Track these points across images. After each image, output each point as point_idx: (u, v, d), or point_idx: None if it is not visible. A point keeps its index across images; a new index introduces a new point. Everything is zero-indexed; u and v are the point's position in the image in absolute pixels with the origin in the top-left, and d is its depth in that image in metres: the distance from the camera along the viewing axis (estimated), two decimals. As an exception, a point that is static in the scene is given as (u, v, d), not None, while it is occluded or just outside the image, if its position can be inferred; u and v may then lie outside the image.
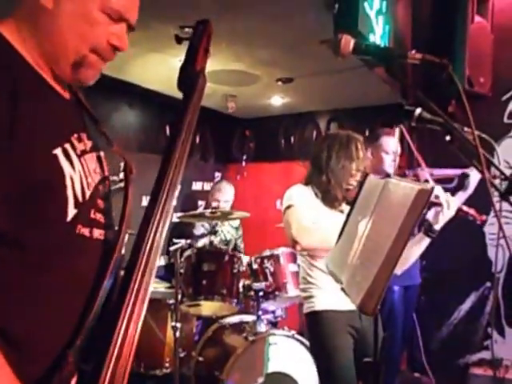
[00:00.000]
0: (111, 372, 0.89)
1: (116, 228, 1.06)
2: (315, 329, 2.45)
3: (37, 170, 0.88)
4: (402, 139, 3.20)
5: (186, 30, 1.19)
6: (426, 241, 2.25)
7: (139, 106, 4.48)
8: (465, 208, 2.71)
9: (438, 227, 2.17)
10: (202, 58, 1.19)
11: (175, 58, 3.33)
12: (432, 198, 2.16)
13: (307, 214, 2.43)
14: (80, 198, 0.96)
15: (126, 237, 1.04)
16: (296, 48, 2.73)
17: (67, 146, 0.96)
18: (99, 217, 1.02)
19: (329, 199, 2.49)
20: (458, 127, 1.28)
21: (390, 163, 3.37)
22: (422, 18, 3.63)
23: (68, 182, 0.93)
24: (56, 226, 0.92)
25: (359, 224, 1.40)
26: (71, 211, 0.93)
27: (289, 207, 2.46)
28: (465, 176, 2.90)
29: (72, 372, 0.91)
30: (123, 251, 1.03)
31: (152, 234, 0.99)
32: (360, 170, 2.50)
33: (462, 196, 2.90)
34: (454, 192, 2.96)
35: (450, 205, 2.10)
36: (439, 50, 3.41)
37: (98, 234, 1.01)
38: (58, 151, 0.93)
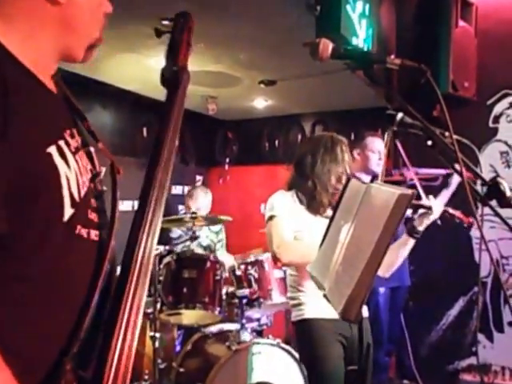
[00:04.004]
0: (112, 380, 0.89)
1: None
2: (305, 338, 2.44)
3: (30, 170, 0.87)
4: (390, 142, 3.27)
5: (166, 22, 1.19)
6: (411, 242, 2.29)
7: (113, 107, 4.45)
8: (451, 210, 2.78)
9: (421, 228, 2.23)
10: (185, 51, 1.17)
11: (150, 58, 3.34)
12: (417, 202, 2.22)
13: (290, 225, 2.42)
14: (76, 198, 0.95)
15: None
16: (278, 50, 2.76)
17: (61, 142, 0.95)
18: (94, 216, 1.01)
19: (314, 206, 2.46)
20: (439, 132, 1.32)
21: (376, 162, 3.47)
22: (406, 22, 3.69)
23: (63, 181, 0.92)
24: (53, 227, 0.91)
25: (341, 229, 1.43)
26: (68, 211, 0.92)
27: (271, 218, 2.44)
28: (448, 175, 3.00)
29: (70, 380, 0.90)
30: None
31: (145, 238, 0.99)
32: (346, 173, 2.48)
33: (446, 194, 2.98)
34: (438, 190, 3.04)
35: (434, 208, 2.15)
36: (423, 54, 3.50)
37: (94, 234, 1.00)
38: (52, 149, 0.92)
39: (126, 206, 4.08)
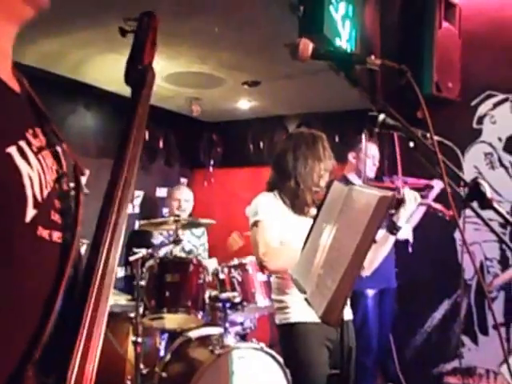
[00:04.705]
0: None
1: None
2: (290, 342, 2.41)
3: None
4: (367, 143, 3.30)
5: (130, 22, 1.20)
6: (392, 238, 2.26)
7: (97, 109, 4.42)
8: (433, 204, 2.79)
9: (400, 223, 2.19)
10: (150, 51, 1.18)
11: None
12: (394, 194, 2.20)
13: (275, 229, 2.39)
14: (39, 198, 0.93)
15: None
16: (261, 51, 2.77)
17: (22, 143, 0.93)
18: (57, 218, 1.00)
19: (298, 206, 2.43)
20: (420, 133, 1.32)
21: (370, 166, 3.55)
22: (390, 23, 3.72)
23: (26, 181, 0.90)
24: (14, 228, 0.88)
25: (323, 232, 1.42)
26: (30, 212, 0.90)
27: (255, 224, 2.41)
28: (429, 187, 3.03)
29: None
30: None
31: (109, 239, 0.98)
32: (328, 170, 2.46)
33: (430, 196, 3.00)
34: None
35: (410, 198, 2.12)
36: (407, 55, 3.53)
37: (56, 236, 0.98)
38: (12, 150, 0.89)
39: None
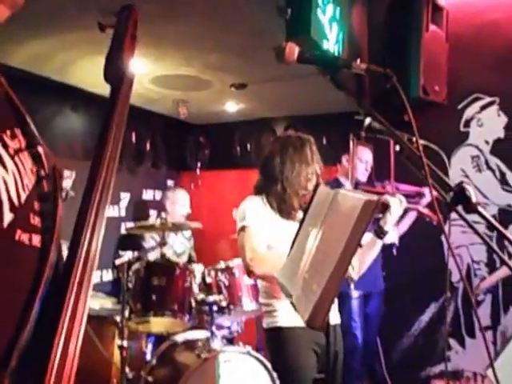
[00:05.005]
0: None
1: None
2: (278, 346, 2.41)
3: None
4: (354, 148, 3.32)
5: (109, 17, 1.17)
6: (379, 243, 2.25)
7: (84, 110, 4.40)
8: (421, 208, 2.80)
9: (387, 228, 2.17)
10: (129, 46, 1.14)
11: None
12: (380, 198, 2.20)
13: (262, 234, 2.38)
14: (15, 202, 0.91)
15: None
16: (248, 53, 2.76)
17: None
18: (37, 221, 0.98)
19: (285, 210, 2.42)
20: (406, 137, 1.32)
21: (362, 171, 3.57)
22: (378, 26, 3.73)
23: (1, 185, 0.88)
24: None
25: (309, 235, 1.43)
26: (7, 216, 0.88)
27: (242, 229, 2.40)
28: (421, 194, 3.06)
29: None
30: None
31: (87, 241, 0.97)
32: (315, 174, 2.45)
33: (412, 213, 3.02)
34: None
35: (396, 203, 2.10)
36: (394, 58, 3.55)
37: (36, 240, 0.96)
38: None
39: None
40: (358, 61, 1.22)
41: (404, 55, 3.54)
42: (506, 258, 1.13)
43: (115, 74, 1.13)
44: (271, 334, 2.44)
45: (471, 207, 1.04)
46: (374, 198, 1.07)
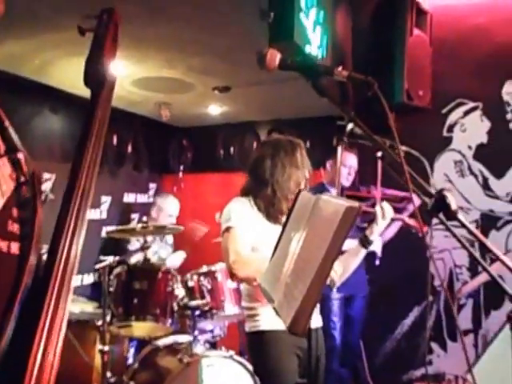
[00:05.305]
0: None
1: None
2: (260, 350, 2.40)
3: None
4: (343, 154, 3.33)
5: (90, 20, 1.16)
6: (363, 252, 2.29)
7: (63, 112, 4.34)
8: (407, 219, 2.82)
9: (373, 238, 2.21)
10: (110, 49, 1.14)
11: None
12: (367, 208, 2.22)
13: (247, 237, 2.37)
14: None
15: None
16: (231, 56, 2.75)
17: None
18: (16, 228, 0.97)
19: (273, 214, 2.41)
20: (389, 143, 1.34)
21: (345, 176, 3.58)
22: (362, 30, 3.74)
23: None
24: None
25: (292, 241, 1.43)
26: None
27: (227, 230, 2.38)
28: (407, 200, 3.08)
29: None
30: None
31: (67, 246, 0.96)
32: (306, 178, 2.45)
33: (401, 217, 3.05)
34: (400, 212, 3.12)
35: (384, 214, 2.13)
36: (378, 63, 3.57)
37: (15, 248, 0.96)
38: None
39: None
40: (340, 68, 1.22)
41: (388, 60, 3.56)
42: (484, 263, 1.14)
43: (96, 77, 1.12)
44: (253, 338, 2.43)
45: (451, 214, 1.06)
46: (356, 204, 1.08)
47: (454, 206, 1.05)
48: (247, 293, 2.50)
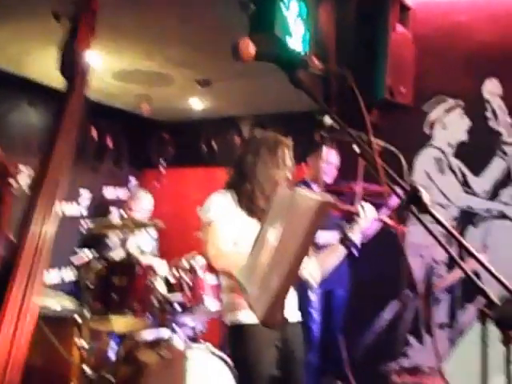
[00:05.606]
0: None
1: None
2: (239, 343, 2.42)
3: None
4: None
5: (66, 6, 1.14)
6: (342, 250, 2.34)
7: (41, 106, 4.27)
8: (385, 219, 2.85)
9: (354, 237, 2.26)
10: (86, 36, 1.13)
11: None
12: (348, 207, 2.25)
13: (228, 231, 2.38)
14: None
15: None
16: (211, 49, 2.71)
17: None
18: None
19: (252, 209, 2.42)
20: (365, 138, 1.35)
21: (327, 172, 3.60)
22: (346, 26, 3.74)
23: None
24: None
25: (269, 235, 1.44)
26: None
27: (209, 224, 2.40)
28: (388, 194, 3.10)
29: None
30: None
31: (35, 237, 0.95)
32: (286, 178, 2.46)
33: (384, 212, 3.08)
34: (380, 207, 3.14)
35: (366, 214, 2.18)
36: (361, 58, 3.57)
37: None
38: None
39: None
40: (316, 60, 1.22)
41: (371, 55, 3.56)
42: (456, 257, 1.16)
43: (70, 66, 1.11)
44: (232, 331, 2.45)
45: (423, 208, 1.07)
46: (329, 198, 1.09)
47: (426, 200, 1.06)
48: (226, 285, 2.51)
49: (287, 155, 2.48)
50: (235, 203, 2.45)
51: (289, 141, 2.52)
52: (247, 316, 2.37)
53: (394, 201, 3.35)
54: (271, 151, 2.44)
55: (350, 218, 2.27)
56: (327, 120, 1.41)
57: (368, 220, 2.19)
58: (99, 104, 4.53)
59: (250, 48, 1.27)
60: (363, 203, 2.25)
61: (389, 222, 3.00)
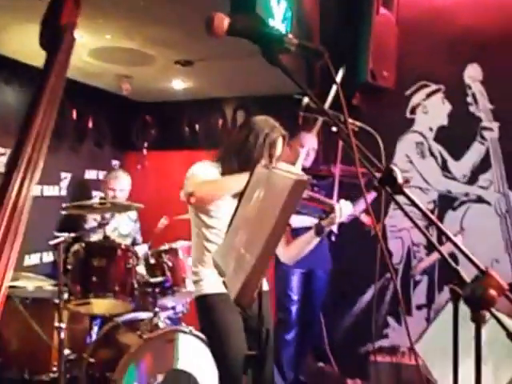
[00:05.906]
0: None
1: None
2: (205, 313, 2.49)
3: None
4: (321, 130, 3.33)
5: None
6: (316, 240, 2.40)
7: (19, 84, 4.13)
8: (361, 217, 2.89)
9: (327, 228, 2.34)
10: (70, 9, 1.07)
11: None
12: (324, 200, 2.28)
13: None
14: None
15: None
16: (191, 28, 2.65)
17: None
18: None
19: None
20: (344, 119, 1.34)
21: (304, 157, 3.61)
22: (330, 8, 3.72)
23: None
24: None
25: (245, 214, 1.44)
26: None
27: (191, 176, 2.46)
28: (367, 175, 3.12)
29: None
30: None
31: (6, 219, 0.93)
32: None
33: (361, 203, 3.11)
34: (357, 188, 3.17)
35: (342, 212, 2.22)
36: (345, 41, 3.56)
37: None
38: None
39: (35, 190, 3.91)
40: (291, 35, 1.21)
41: (354, 38, 3.55)
42: (433, 239, 1.17)
43: (51, 40, 1.06)
44: (198, 302, 2.52)
45: (397, 188, 1.07)
46: (304, 177, 1.09)
47: (400, 180, 1.06)
48: (195, 257, 2.56)
49: (280, 144, 2.53)
50: (218, 175, 2.50)
51: (283, 130, 2.55)
52: (210, 286, 2.43)
53: (371, 196, 3.37)
54: (269, 137, 2.47)
55: (328, 210, 2.30)
56: (305, 99, 1.40)
57: (343, 217, 2.24)
58: (78, 83, 4.44)
59: (224, 23, 1.25)
60: (341, 200, 2.28)
61: (365, 220, 3.05)
